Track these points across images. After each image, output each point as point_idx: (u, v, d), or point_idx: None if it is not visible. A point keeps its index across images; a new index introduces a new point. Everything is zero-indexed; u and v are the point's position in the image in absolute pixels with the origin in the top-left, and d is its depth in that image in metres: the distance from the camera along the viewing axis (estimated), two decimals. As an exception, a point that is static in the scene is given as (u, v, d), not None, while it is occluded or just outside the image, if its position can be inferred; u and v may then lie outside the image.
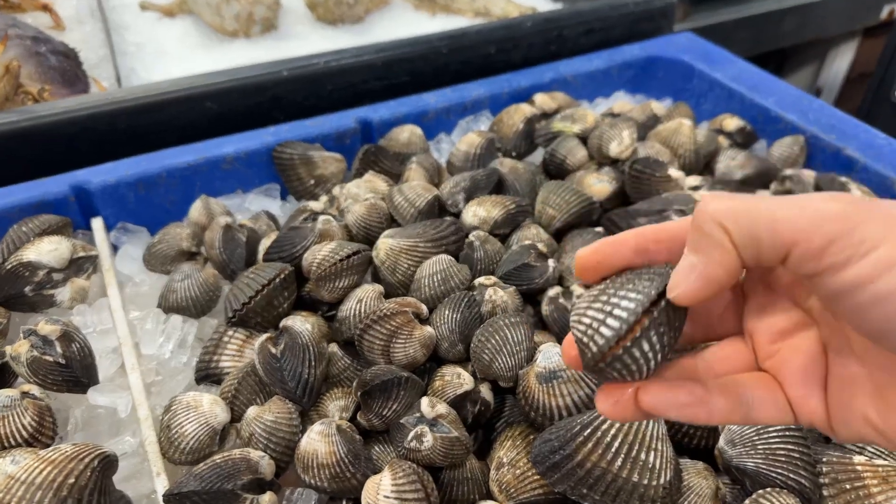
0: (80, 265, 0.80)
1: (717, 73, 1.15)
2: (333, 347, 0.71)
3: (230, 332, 0.73)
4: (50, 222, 0.83)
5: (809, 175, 0.91)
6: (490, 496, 0.61)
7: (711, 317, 0.40)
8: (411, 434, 0.59)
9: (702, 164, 0.96)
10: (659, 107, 1.02)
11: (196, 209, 0.88)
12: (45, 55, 1.14)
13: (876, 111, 1.88)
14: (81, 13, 1.42)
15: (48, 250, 0.77)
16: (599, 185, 0.85)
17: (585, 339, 0.35)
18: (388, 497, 0.56)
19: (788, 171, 0.90)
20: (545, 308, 0.73)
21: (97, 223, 0.89)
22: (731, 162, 0.95)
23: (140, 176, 0.91)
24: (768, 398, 0.36)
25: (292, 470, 0.64)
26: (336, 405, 0.67)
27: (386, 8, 1.52)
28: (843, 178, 0.90)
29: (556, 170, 0.92)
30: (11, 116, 0.93)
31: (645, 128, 0.99)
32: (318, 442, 0.60)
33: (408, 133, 1.00)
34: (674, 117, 1.03)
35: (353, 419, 0.66)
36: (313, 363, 0.66)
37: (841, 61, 2.39)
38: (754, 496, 0.54)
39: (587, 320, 0.35)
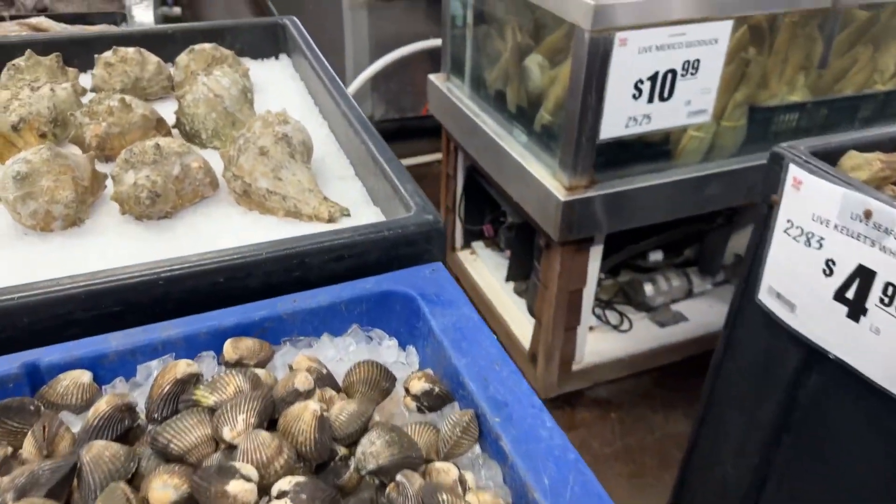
0: None
1: (436, 318, 1.09)
2: None
3: None
4: None
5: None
6: None
7: None
8: None
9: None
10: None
11: None
12: None
13: (743, 312, 1.79)
14: None
15: None
16: (164, 490, 0.78)
17: None
18: None
19: (399, 478, 0.82)
20: None
21: None
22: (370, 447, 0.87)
23: None
24: None
25: None
26: None
27: (201, 202, 1.54)
28: None
29: (159, 454, 0.86)
30: None
31: (286, 403, 0.92)
32: None
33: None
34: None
35: None
36: None
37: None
38: None
39: None
